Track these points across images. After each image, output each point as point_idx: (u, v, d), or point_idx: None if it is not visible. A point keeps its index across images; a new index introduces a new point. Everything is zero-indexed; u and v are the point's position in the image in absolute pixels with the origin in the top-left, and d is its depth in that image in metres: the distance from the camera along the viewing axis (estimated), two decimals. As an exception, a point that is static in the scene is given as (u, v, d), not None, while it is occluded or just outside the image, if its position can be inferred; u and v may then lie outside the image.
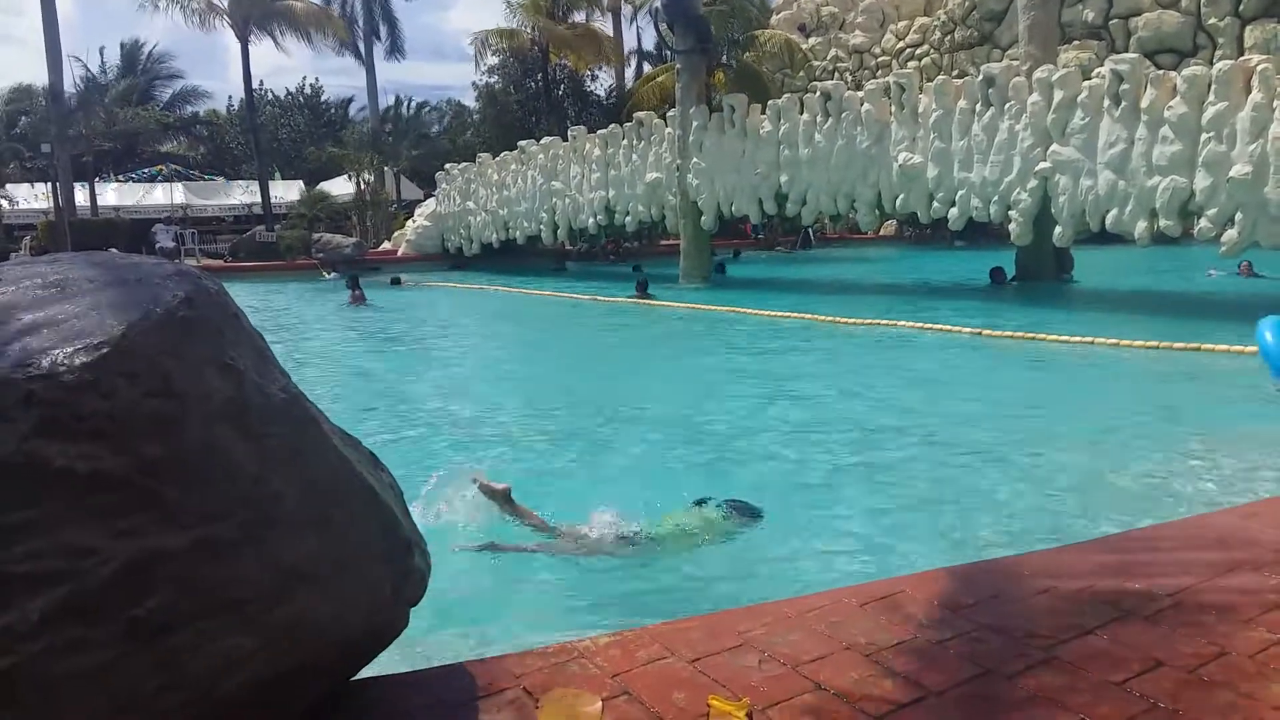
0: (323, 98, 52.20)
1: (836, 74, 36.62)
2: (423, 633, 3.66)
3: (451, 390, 10.33)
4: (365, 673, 2.37)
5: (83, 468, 1.76)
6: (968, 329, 12.26)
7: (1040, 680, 2.38)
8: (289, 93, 51.74)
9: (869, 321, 13.62)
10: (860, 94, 17.75)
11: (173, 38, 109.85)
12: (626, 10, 41.85)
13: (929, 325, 12.85)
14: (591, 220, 23.93)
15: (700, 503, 5.22)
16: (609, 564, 4.78)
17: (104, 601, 1.78)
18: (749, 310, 15.92)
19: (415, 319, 18.21)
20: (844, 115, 17.60)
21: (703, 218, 20.73)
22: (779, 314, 15.14)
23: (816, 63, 38.41)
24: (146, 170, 42.97)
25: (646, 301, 17.99)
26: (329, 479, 2.12)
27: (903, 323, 13.23)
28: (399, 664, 2.62)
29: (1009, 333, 11.86)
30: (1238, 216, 12.59)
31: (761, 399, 9.11)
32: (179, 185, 40.63)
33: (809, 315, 14.60)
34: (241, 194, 40.86)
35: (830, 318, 14.25)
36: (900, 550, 4.86)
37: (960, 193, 15.98)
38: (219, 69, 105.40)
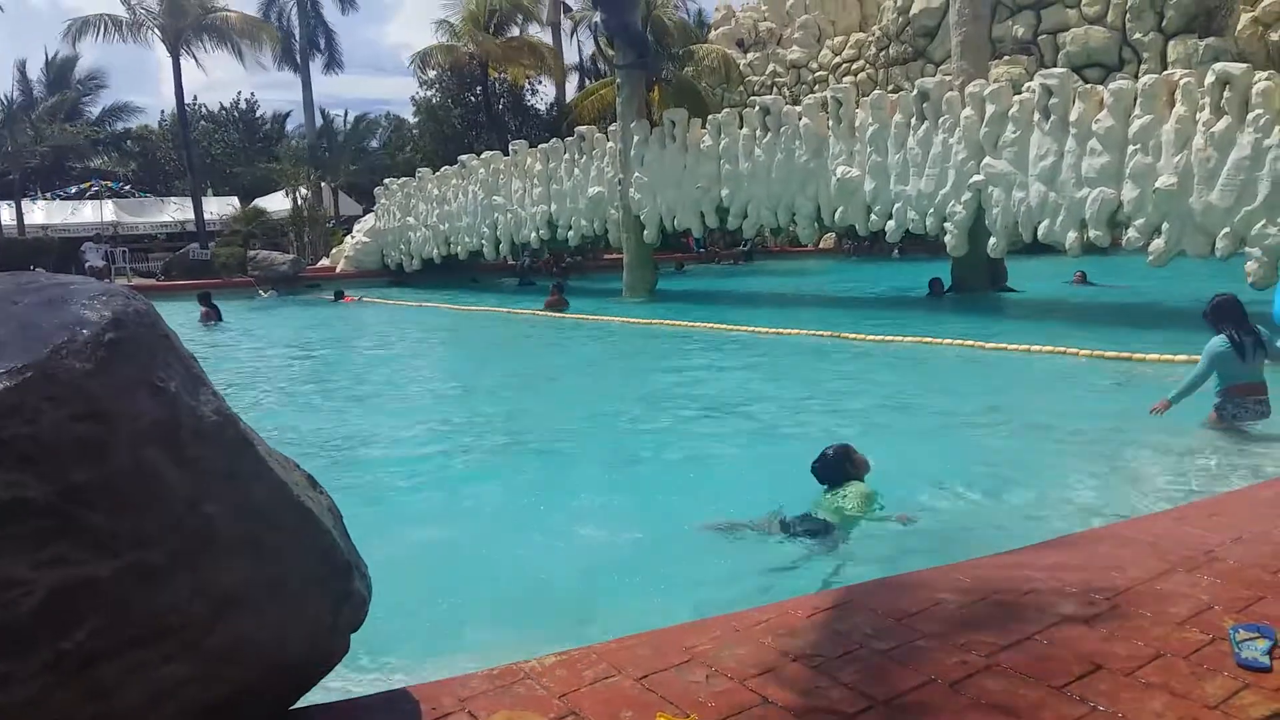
0: (258, 113, 51.47)
1: (774, 89, 37.03)
2: (364, 658, 3.60)
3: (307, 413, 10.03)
4: (305, 700, 2.32)
5: (4, 495, 1.70)
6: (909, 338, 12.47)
7: (983, 686, 2.41)
8: (223, 107, 50.94)
9: (793, 331, 13.85)
10: (798, 109, 17.97)
11: (102, 52, 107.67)
12: (566, 24, 41.96)
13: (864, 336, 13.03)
14: (534, 235, 23.88)
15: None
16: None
17: (30, 633, 1.72)
18: (663, 321, 16.32)
19: (273, 340, 17.52)
20: (783, 130, 17.80)
21: (645, 231, 20.80)
22: (692, 325, 15.49)
23: (754, 78, 38.80)
24: (76, 187, 41.92)
25: (559, 314, 18.22)
26: (264, 502, 2.07)
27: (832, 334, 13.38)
28: (340, 691, 2.57)
29: (948, 340, 12.06)
30: (1164, 226, 12.95)
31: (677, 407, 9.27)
32: (109, 202, 39.66)
33: (734, 327, 14.89)
34: (174, 211, 39.97)
35: (747, 328, 14.62)
36: (846, 559, 4.90)
37: (897, 205, 16.23)
38: (151, 84, 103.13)
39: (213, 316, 18.81)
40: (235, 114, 50.59)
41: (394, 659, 3.78)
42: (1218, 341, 6.84)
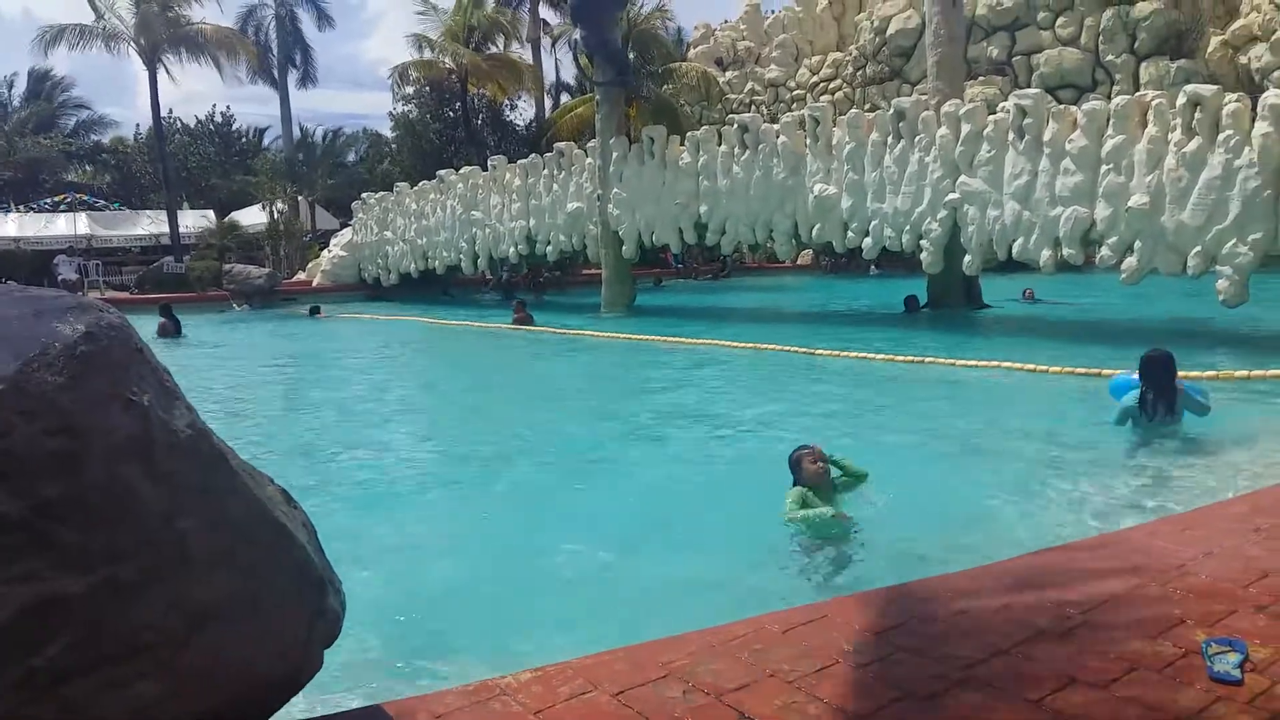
0: (234, 126, 51.21)
1: (753, 107, 37.27)
2: (338, 673, 3.56)
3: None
4: (278, 717, 2.29)
5: (-26, 510, 1.68)
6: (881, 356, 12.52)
7: (959, 701, 2.42)
8: (199, 121, 50.64)
9: (769, 347, 13.90)
10: (776, 127, 18.07)
11: (78, 64, 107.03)
12: (546, 41, 42.10)
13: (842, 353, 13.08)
14: (512, 250, 23.89)
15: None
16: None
17: (-1, 650, 1.70)
18: (631, 335, 16.41)
19: (246, 353, 17.37)
20: (761, 147, 17.89)
21: (623, 247, 20.83)
22: (671, 339, 15.53)
23: (733, 96, 39.05)
24: (49, 200, 41.48)
25: (528, 328, 18.32)
26: (239, 517, 2.05)
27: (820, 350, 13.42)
28: (312, 708, 2.54)
29: (927, 358, 12.11)
30: (1136, 245, 13.09)
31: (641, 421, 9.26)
32: (83, 215, 39.17)
33: (711, 341, 14.93)
34: (149, 224, 39.57)
35: (710, 341, 14.71)
36: (822, 574, 4.90)
37: (873, 223, 16.33)
38: (127, 97, 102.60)
39: (170, 329, 18.43)
40: (212, 127, 50.31)
41: (368, 675, 3.75)
42: (1129, 397, 7.39)
